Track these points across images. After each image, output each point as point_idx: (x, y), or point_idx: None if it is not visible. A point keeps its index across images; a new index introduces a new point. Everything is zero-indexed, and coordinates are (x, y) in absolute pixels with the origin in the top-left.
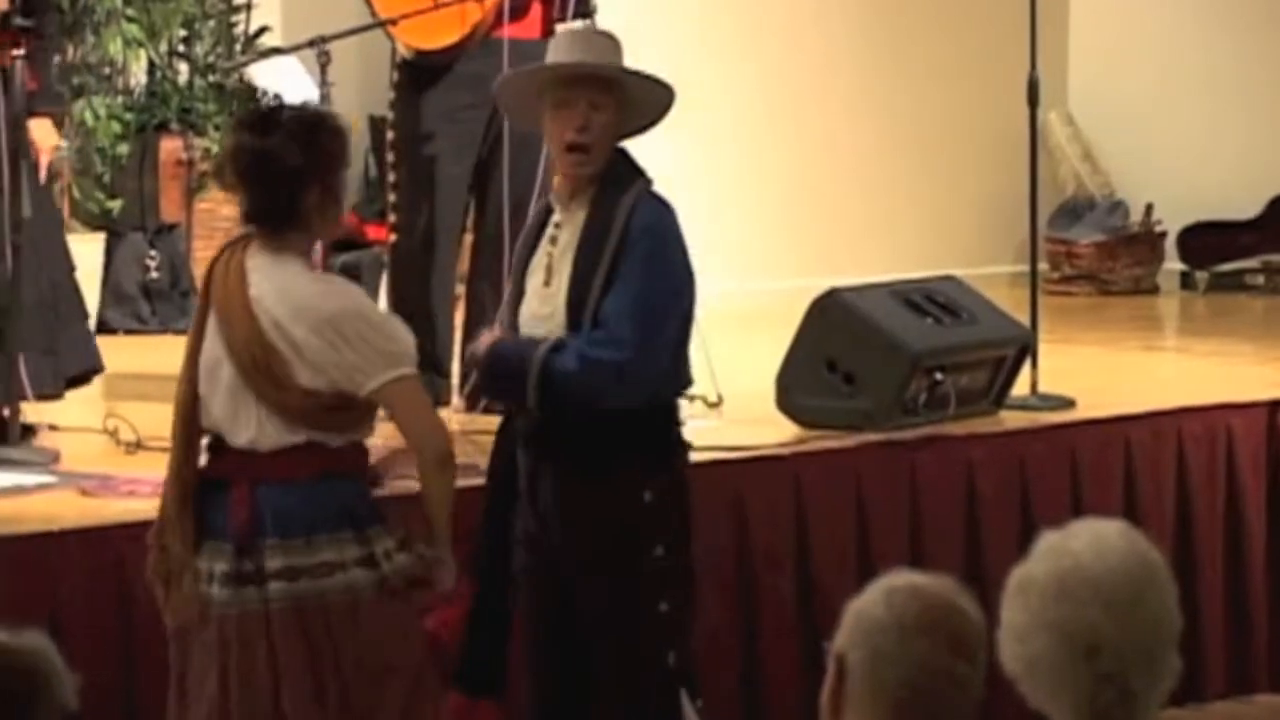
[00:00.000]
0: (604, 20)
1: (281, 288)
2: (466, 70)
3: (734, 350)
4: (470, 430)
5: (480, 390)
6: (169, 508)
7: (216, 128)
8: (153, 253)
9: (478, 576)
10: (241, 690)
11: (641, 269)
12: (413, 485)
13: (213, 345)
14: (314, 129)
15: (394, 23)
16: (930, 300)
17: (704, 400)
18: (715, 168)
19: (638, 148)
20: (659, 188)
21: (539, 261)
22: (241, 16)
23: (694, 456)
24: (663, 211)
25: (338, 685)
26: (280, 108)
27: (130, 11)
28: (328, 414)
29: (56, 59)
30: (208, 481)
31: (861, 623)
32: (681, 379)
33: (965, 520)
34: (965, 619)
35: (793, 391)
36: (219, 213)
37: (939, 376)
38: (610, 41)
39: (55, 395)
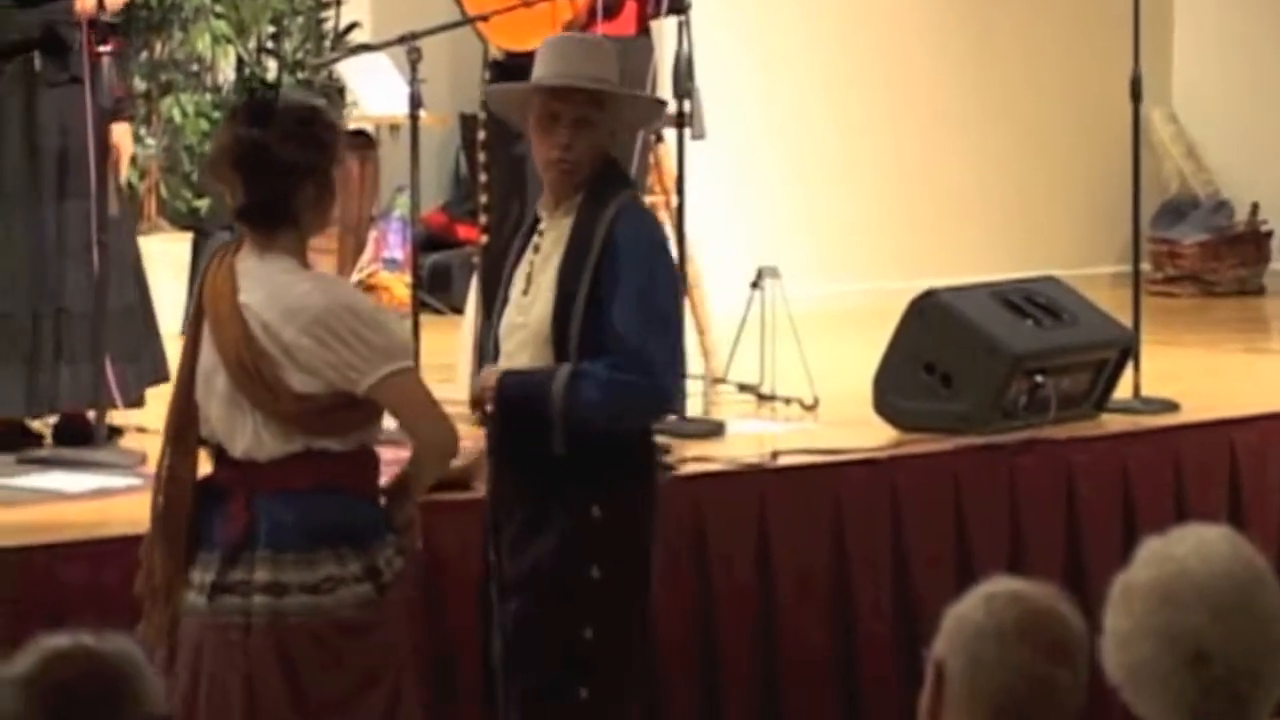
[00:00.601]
0: (697, 15)
1: (270, 290)
2: None
3: (829, 352)
4: None
5: (497, 435)
6: (156, 524)
7: None
8: None
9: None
10: (210, 702)
11: (640, 280)
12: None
13: (208, 352)
14: (309, 122)
15: (484, 19)
16: (1030, 301)
17: (799, 403)
18: (810, 166)
19: (731, 143)
20: (753, 186)
21: (521, 270)
22: (331, 13)
23: (790, 460)
24: (645, 219)
25: (316, 702)
26: (275, 100)
27: (219, 8)
28: (325, 418)
29: (143, 55)
30: (208, 491)
31: (961, 629)
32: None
33: (1066, 525)
34: (1066, 626)
35: (890, 394)
36: None
37: (1039, 379)
38: (602, 50)
39: (138, 404)
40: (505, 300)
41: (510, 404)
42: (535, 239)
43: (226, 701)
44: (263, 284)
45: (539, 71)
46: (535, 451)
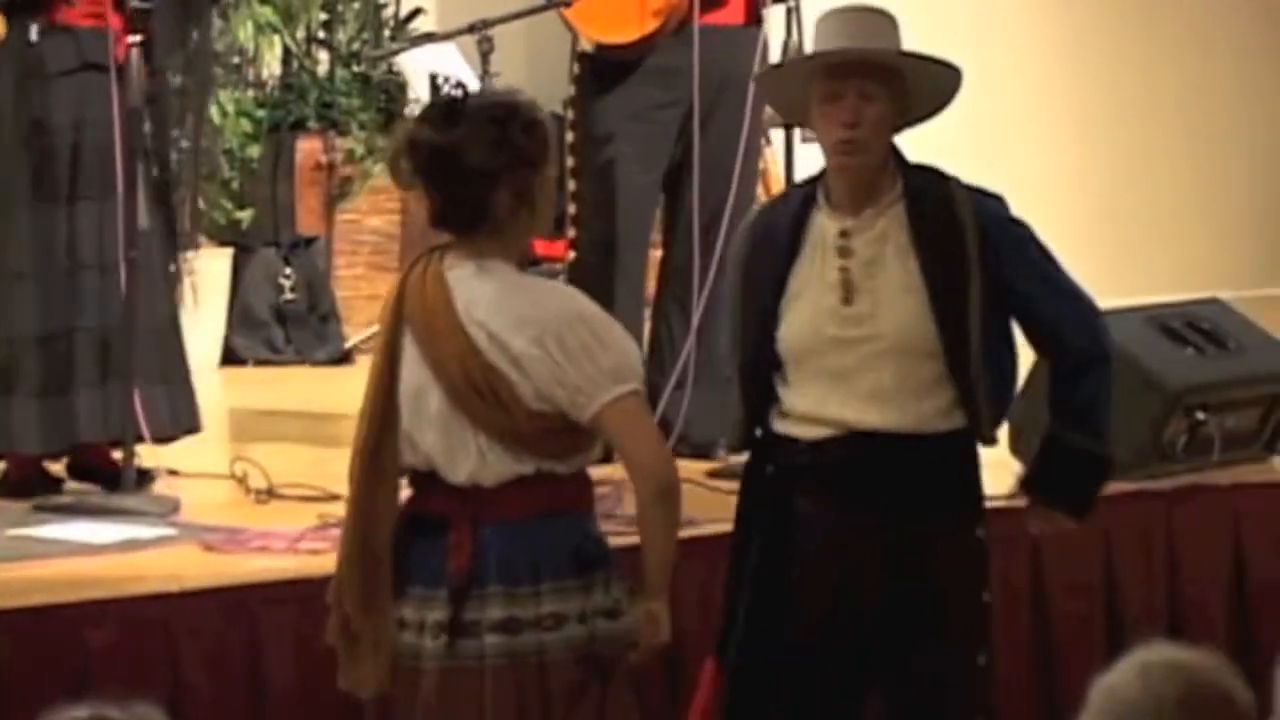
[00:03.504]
0: (809, 2)
1: (494, 297)
2: (658, 63)
3: None
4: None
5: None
6: (347, 563)
7: (361, 126)
8: (287, 271)
9: (727, 657)
10: None
11: (1044, 260)
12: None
13: (414, 372)
14: (505, 122)
15: (568, 4)
16: (1192, 327)
17: None
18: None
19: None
20: None
21: (821, 277)
22: None
23: None
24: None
25: None
26: (465, 96)
27: None
28: (558, 438)
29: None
30: (418, 521)
31: (1111, 704)
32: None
33: (1232, 584)
34: (1232, 702)
35: (1029, 433)
36: (363, 224)
37: (1201, 416)
38: (884, 20)
39: (171, 437)
40: (768, 315)
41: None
42: (837, 241)
43: None
44: (483, 290)
45: (816, 50)
46: (905, 480)
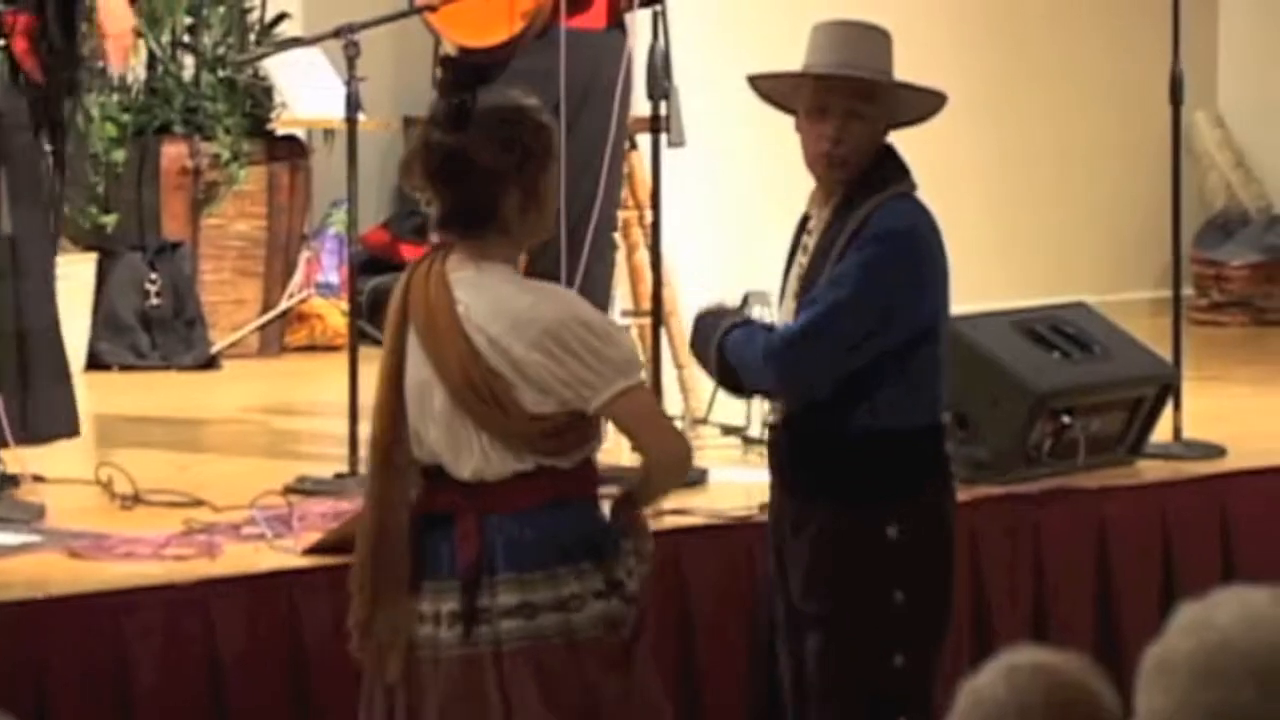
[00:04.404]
0: (676, 6)
1: (492, 302)
2: (523, 66)
3: None
4: None
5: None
6: (364, 554)
7: (227, 130)
8: (153, 276)
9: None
10: None
11: (851, 271)
12: None
13: (418, 368)
14: (512, 124)
15: (433, 9)
16: (1057, 331)
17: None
18: (803, 179)
19: (714, 152)
20: (739, 201)
21: (794, 270)
22: (256, 2)
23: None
24: (904, 218)
25: None
26: (473, 100)
27: None
28: (558, 436)
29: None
30: (426, 516)
31: (978, 707)
32: (922, 402)
33: (1097, 586)
34: (1098, 703)
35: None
36: (229, 229)
37: (1067, 420)
38: (878, 36)
39: (30, 441)
40: (782, 298)
41: (695, 329)
42: (805, 238)
43: None
44: (482, 295)
45: (808, 59)
46: (818, 470)
